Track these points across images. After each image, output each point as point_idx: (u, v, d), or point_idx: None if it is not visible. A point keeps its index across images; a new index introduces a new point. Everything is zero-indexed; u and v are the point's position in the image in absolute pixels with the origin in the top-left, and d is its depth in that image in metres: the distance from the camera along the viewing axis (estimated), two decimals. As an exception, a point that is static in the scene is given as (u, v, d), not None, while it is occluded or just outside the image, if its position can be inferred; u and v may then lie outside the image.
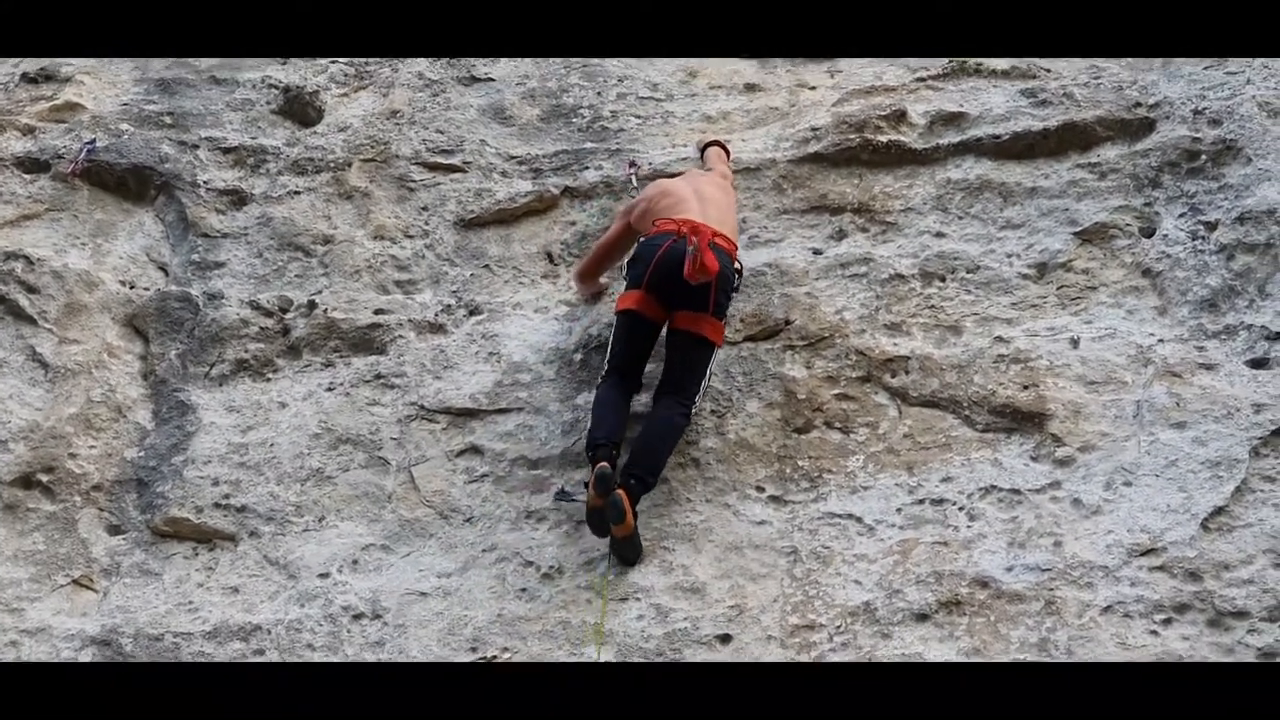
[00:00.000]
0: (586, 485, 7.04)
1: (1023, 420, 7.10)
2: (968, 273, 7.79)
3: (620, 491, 6.92)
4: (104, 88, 9.59)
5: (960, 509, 6.85)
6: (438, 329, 8.27)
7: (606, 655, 6.66)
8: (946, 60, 8.78)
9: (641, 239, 7.67)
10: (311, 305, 8.41)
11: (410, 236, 8.68)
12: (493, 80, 9.46)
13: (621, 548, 7.04)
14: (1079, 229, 7.78)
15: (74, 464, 7.87)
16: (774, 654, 6.49)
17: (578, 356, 7.96)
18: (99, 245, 8.76)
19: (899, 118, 8.48)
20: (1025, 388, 7.19)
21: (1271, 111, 7.87)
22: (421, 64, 9.54)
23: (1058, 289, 7.61)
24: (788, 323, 7.77)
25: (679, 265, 7.26)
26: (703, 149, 8.49)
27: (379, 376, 8.09)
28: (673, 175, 8.26)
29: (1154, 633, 6.14)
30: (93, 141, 9.09)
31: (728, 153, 8.51)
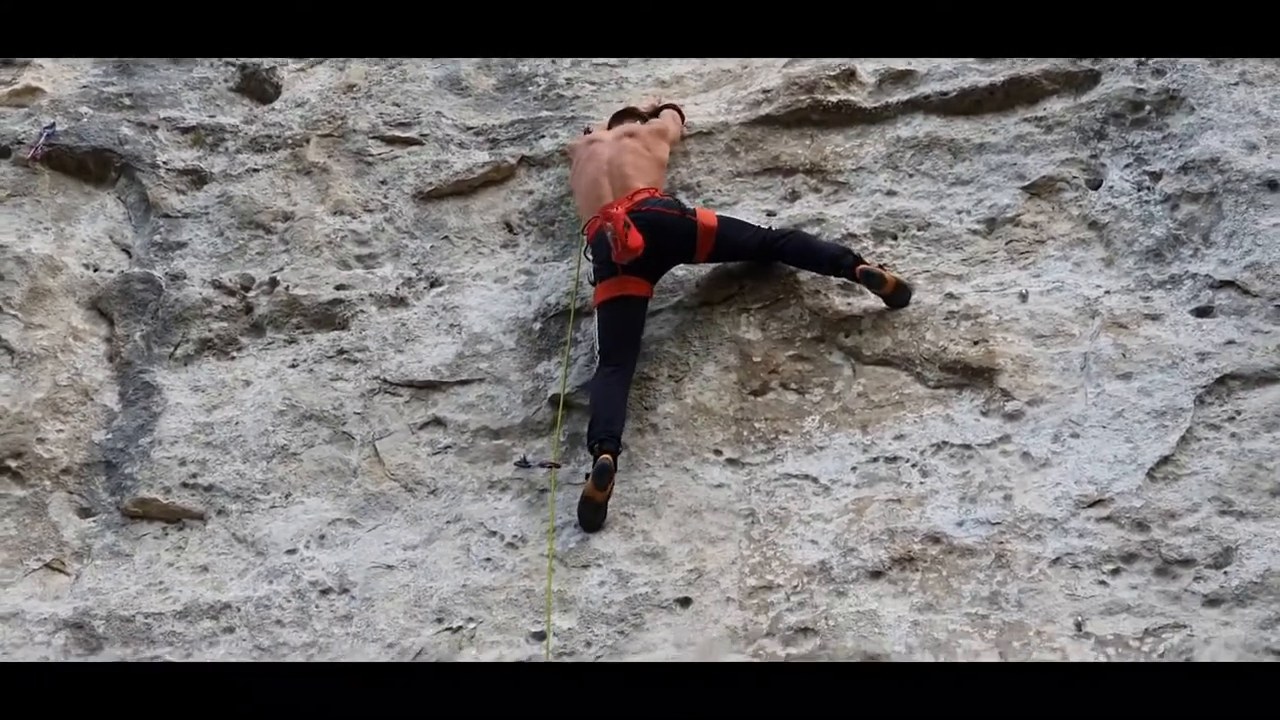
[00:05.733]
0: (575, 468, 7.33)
1: (973, 376, 7.18)
2: (919, 230, 7.87)
3: (858, 268, 7.45)
4: (62, 70, 9.60)
5: (913, 466, 6.94)
6: (399, 302, 8.34)
7: (569, 623, 6.75)
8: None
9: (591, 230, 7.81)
10: (273, 283, 8.48)
11: (370, 210, 8.75)
12: (448, 51, 9.51)
13: (896, 297, 7.56)
14: (1027, 183, 7.86)
15: (42, 448, 7.94)
16: (732, 616, 6.57)
17: (537, 325, 8.05)
18: (62, 229, 8.80)
19: (849, 77, 8.53)
20: (975, 343, 7.27)
21: (1213, 60, 7.92)
22: (377, 37, 9.59)
23: (1006, 244, 7.68)
24: (741, 286, 7.84)
25: (646, 234, 7.49)
26: (655, 113, 8.55)
27: (341, 352, 8.17)
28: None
29: (1102, 583, 6.22)
30: (52, 125, 9.12)
31: (683, 116, 8.59)
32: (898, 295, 7.52)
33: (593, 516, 7.14)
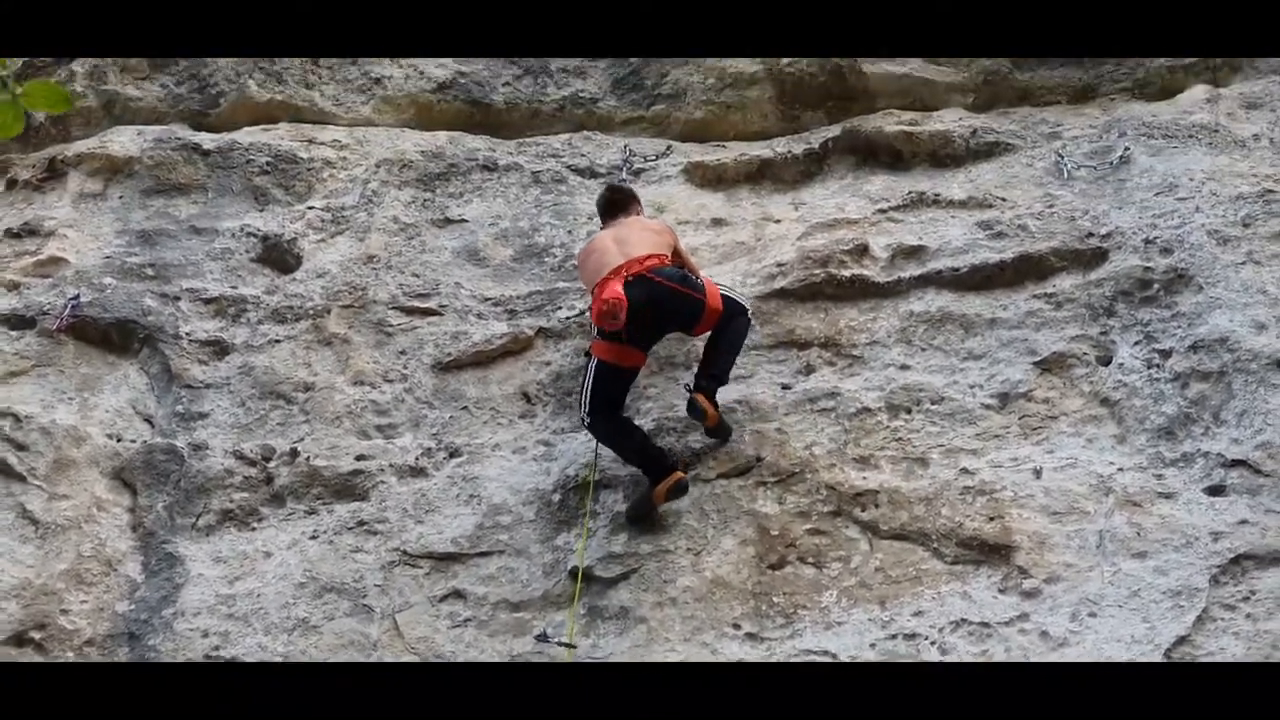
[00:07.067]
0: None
1: (990, 552, 7.26)
2: (932, 404, 7.99)
3: (698, 396, 7.83)
4: (86, 240, 9.75)
5: (932, 643, 6.98)
6: (419, 472, 8.43)
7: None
8: (906, 191, 9.05)
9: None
10: (294, 453, 8.57)
11: (389, 381, 8.86)
12: (466, 221, 9.68)
13: (714, 432, 7.99)
14: (1038, 359, 8.01)
15: (66, 620, 7.98)
16: (754, 796, 6.61)
17: (556, 497, 8.12)
18: (85, 400, 8.91)
19: (861, 251, 8.71)
20: (991, 519, 7.37)
21: (1220, 239, 8.11)
22: (396, 208, 9.75)
23: (1020, 419, 7.81)
24: (759, 459, 7.95)
25: (652, 308, 7.86)
26: None
27: (362, 523, 8.24)
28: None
29: (1122, 765, 6.27)
30: (77, 297, 9.24)
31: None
32: (719, 431, 7.96)
33: (644, 513, 7.84)
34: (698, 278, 8.17)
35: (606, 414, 7.96)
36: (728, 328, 8.08)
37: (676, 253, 8.39)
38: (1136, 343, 7.90)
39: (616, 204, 8.77)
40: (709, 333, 8.12)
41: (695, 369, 8.13)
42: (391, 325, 9.12)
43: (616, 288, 7.75)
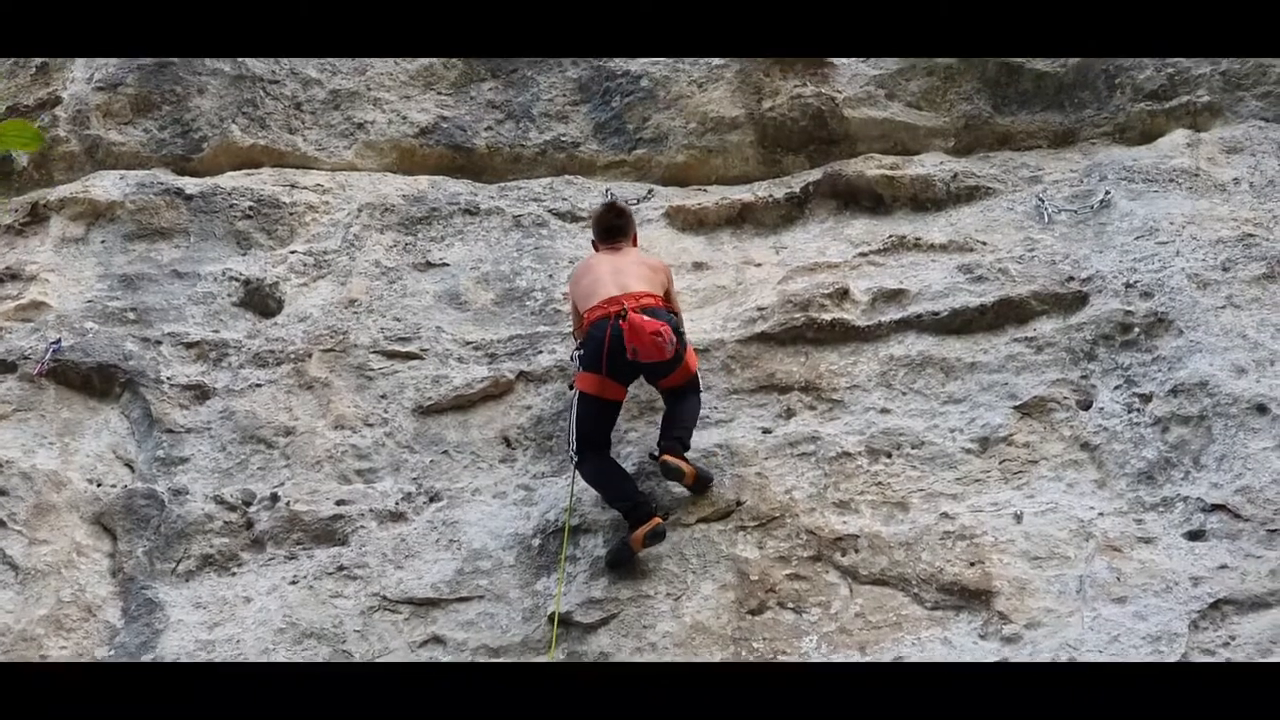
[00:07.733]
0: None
1: (970, 597, 7.24)
2: (913, 448, 7.99)
3: (668, 456, 7.83)
4: (68, 285, 9.74)
5: (911, 689, 6.97)
6: (398, 517, 8.41)
7: None
8: (886, 235, 9.07)
9: (587, 320, 8.17)
10: (274, 498, 8.55)
11: (370, 425, 8.84)
12: (447, 265, 9.69)
13: (695, 487, 7.99)
14: (1018, 403, 8.01)
15: (45, 666, 7.96)
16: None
17: (536, 542, 8.10)
18: (66, 444, 8.89)
19: (842, 295, 8.72)
20: (971, 564, 7.35)
21: (1201, 283, 8.13)
22: (378, 252, 9.76)
23: (1000, 463, 7.80)
24: (739, 503, 7.94)
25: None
26: None
27: (341, 568, 8.20)
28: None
29: (1102, 812, 6.24)
30: (58, 341, 9.23)
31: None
32: (700, 484, 7.97)
33: (625, 559, 7.82)
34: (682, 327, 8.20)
35: (595, 452, 7.99)
36: (686, 399, 8.15)
37: (668, 294, 8.42)
38: (1117, 387, 7.91)
39: (616, 230, 8.76)
40: (667, 389, 8.19)
41: (660, 433, 8.14)
42: (372, 369, 9.11)
43: (647, 333, 7.79)
